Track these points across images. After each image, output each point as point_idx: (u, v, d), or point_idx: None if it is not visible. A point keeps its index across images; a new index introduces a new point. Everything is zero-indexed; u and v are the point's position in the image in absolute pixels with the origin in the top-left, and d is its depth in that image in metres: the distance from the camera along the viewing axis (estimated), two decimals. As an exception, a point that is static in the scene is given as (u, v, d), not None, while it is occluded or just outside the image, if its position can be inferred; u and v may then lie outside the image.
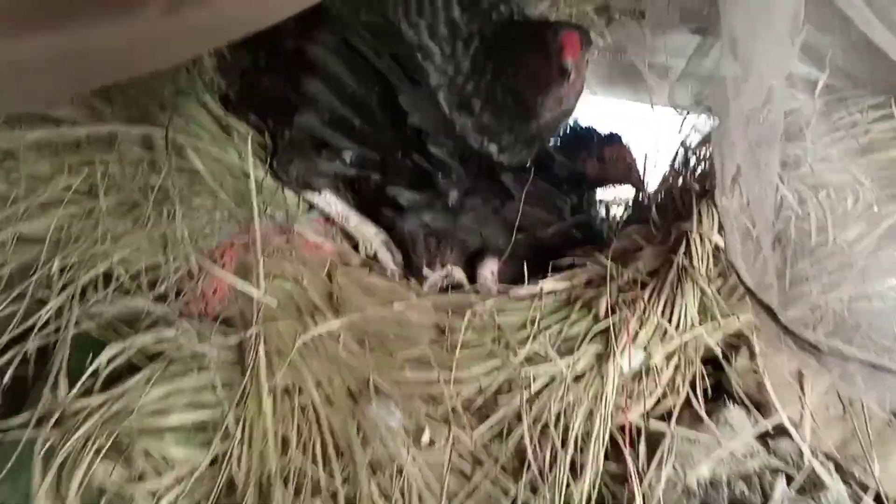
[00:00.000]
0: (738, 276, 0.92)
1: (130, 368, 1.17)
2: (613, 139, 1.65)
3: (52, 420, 1.04)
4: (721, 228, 1.09)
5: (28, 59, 0.67)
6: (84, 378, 1.08)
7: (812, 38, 1.25)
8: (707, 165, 1.25)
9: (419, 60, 1.26)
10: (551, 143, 1.62)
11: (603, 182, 1.62)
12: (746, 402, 1.23)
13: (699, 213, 1.11)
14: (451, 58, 1.27)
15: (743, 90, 1.01)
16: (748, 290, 0.91)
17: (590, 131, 1.66)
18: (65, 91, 1.02)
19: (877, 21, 0.98)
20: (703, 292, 1.12)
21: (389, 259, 1.39)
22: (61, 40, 0.67)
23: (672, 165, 1.25)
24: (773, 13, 0.96)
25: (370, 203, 1.38)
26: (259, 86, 1.30)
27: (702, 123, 1.41)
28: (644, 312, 1.14)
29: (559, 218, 1.40)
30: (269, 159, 1.33)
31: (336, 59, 1.16)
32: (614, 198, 1.78)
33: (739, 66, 0.99)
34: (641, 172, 1.60)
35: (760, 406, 1.26)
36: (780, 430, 1.14)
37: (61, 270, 1.20)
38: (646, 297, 1.14)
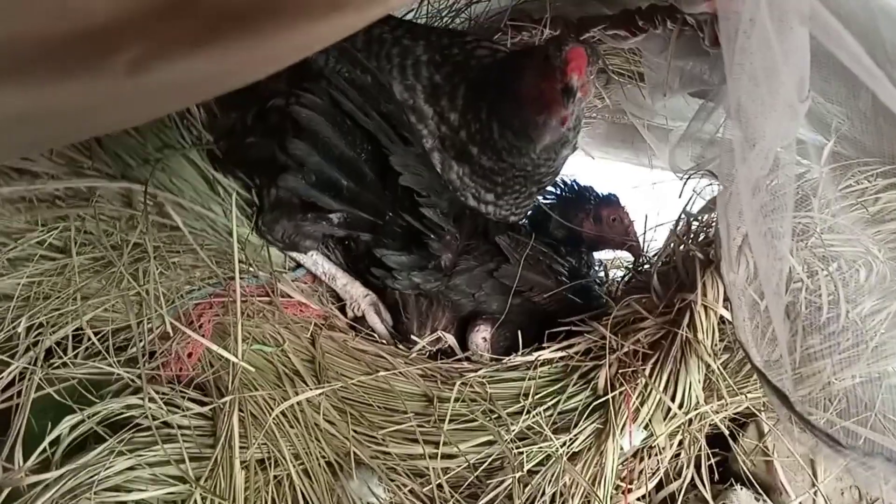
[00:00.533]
0: (749, 357, 0.86)
1: (97, 436, 1.10)
2: (610, 200, 1.60)
3: (3, 495, 0.95)
4: (727, 300, 1.03)
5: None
6: (41, 448, 1.01)
7: (818, 106, 1.23)
8: (711, 233, 1.20)
9: (411, 120, 1.23)
10: (547, 203, 1.57)
11: (600, 244, 1.57)
12: (755, 484, 1.16)
13: (703, 284, 1.04)
14: (442, 115, 1.24)
15: (749, 158, 0.96)
16: (759, 373, 0.84)
17: (587, 191, 1.62)
18: (23, 151, 0.98)
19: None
20: (708, 368, 1.06)
21: (378, 321, 1.33)
22: (22, 100, 0.62)
23: (674, 231, 1.20)
24: (779, 81, 0.92)
25: (360, 262, 1.33)
26: (246, 144, 1.25)
27: (702, 188, 1.37)
28: (645, 388, 1.07)
29: (556, 282, 1.34)
30: (255, 217, 1.28)
31: (324, 120, 1.12)
32: (613, 260, 1.73)
33: (745, 133, 0.95)
34: (640, 235, 1.55)
35: (770, 489, 1.18)
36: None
37: (28, 329, 1.13)
38: (647, 371, 1.07)
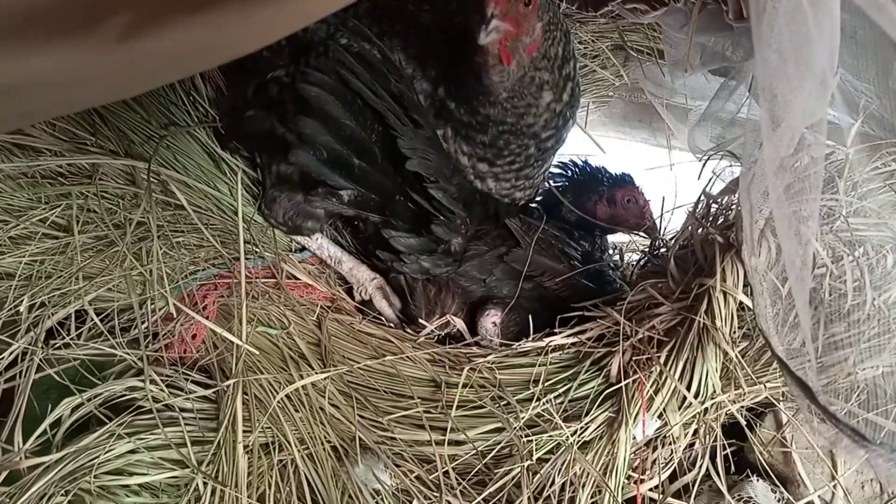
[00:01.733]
0: (770, 346, 0.82)
1: (99, 418, 1.08)
2: (625, 181, 1.54)
3: (1, 477, 0.94)
4: (747, 286, 0.99)
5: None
6: (41, 430, 0.99)
7: (846, 84, 1.17)
8: (731, 216, 1.15)
9: (419, 98, 1.19)
10: (558, 185, 1.51)
11: (614, 226, 1.52)
12: (772, 475, 1.12)
13: (723, 269, 1.00)
14: (428, 77, 1.22)
15: (774, 136, 0.92)
16: (781, 363, 0.80)
17: (599, 172, 1.56)
18: (14, 123, 0.95)
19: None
20: (725, 355, 1.02)
21: (385, 305, 1.30)
22: (10, 68, 0.59)
23: (693, 214, 1.15)
24: (810, 55, 0.87)
25: (369, 244, 1.30)
26: (245, 117, 1.22)
27: (722, 169, 1.32)
28: (660, 376, 1.03)
29: (569, 266, 1.30)
30: (260, 198, 1.26)
31: (333, 99, 1.08)
32: (628, 243, 1.68)
33: (771, 111, 0.90)
34: (656, 217, 1.50)
35: (787, 481, 1.15)
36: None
37: (30, 308, 1.12)
38: (662, 359, 1.03)
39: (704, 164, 1.31)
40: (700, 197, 1.14)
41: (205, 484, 1.01)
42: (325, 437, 1.13)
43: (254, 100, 1.20)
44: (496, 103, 1.17)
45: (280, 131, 1.11)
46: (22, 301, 1.11)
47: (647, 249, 1.49)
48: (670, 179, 1.79)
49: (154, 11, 0.62)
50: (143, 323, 1.10)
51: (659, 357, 1.04)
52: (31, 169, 1.14)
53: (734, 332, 1.02)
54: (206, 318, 1.16)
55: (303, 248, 1.34)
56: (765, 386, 1.03)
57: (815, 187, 0.89)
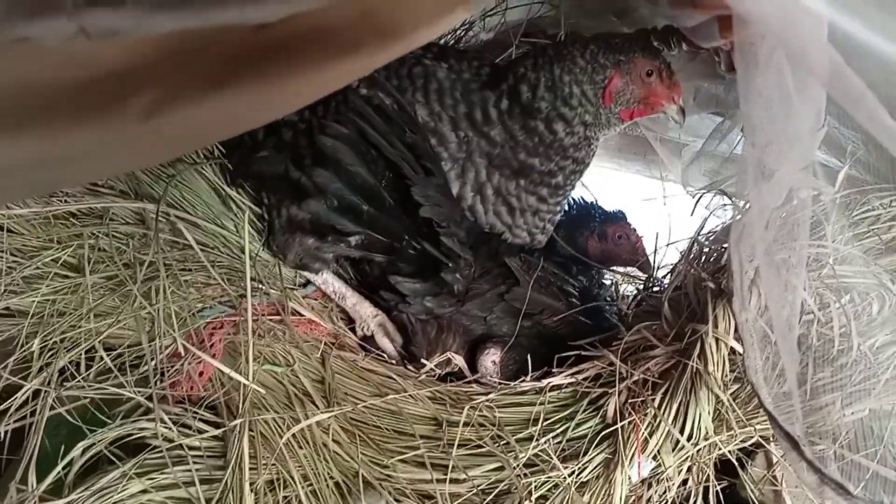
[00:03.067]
0: (759, 399, 0.86)
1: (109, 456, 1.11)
2: (616, 217, 1.58)
3: (17, 520, 0.97)
4: (738, 332, 1.03)
5: (7, 164, 0.63)
6: (56, 472, 1.02)
7: (833, 130, 1.21)
8: (723, 258, 1.19)
9: (432, 143, 1.23)
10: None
11: (606, 262, 1.56)
12: (763, 513, 1.15)
13: (715, 316, 1.04)
14: (482, 134, 1.25)
15: (763, 190, 0.96)
16: (770, 416, 0.83)
17: (592, 208, 1.60)
18: (40, 192, 0.99)
19: None
20: (717, 399, 1.05)
21: (387, 342, 1.33)
22: (40, 145, 0.63)
23: (685, 258, 1.20)
24: (795, 116, 0.91)
25: (373, 283, 1.33)
26: (257, 157, 1.26)
27: (716, 207, 1.36)
28: (654, 418, 1.07)
29: (567, 304, 1.34)
30: (266, 234, 1.29)
31: (348, 149, 1.13)
32: (624, 277, 1.72)
33: (759, 166, 0.94)
34: (648, 252, 1.54)
35: (778, 518, 1.18)
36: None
37: (41, 349, 1.15)
38: (656, 401, 1.07)
39: (698, 202, 1.34)
40: (692, 242, 1.18)
41: (214, 523, 1.03)
42: (329, 474, 1.16)
43: (265, 140, 1.23)
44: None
45: (295, 175, 1.16)
46: (34, 340, 1.14)
47: (641, 286, 1.52)
48: (665, 213, 1.84)
49: (175, 89, 0.66)
50: (152, 360, 1.13)
51: (653, 400, 1.07)
52: (44, 212, 1.17)
53: (726, 377, 1.06)
54: (213, 356, 1.20)
55: (306, 283, 1.37)
56: (755, 428, 1.07)
57: (803, 232, 0.93)
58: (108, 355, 1.15)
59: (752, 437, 1.09)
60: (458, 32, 1.73)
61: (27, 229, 1.20)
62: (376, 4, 0.65)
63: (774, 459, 1.14)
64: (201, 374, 1.21)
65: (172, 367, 1.18)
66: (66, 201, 1.18)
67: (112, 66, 0.63)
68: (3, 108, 0.61)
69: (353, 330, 1.37)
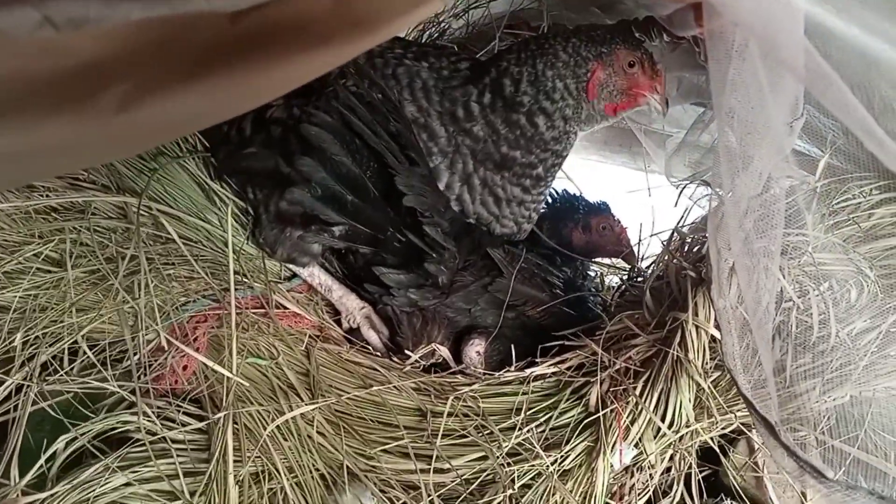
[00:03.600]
0: (737, 385, 0.87)
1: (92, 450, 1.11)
2: (600, 209, 1.59)
3: (0, 513, 0.97)
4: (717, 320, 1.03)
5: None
6: (38, 466, 1.02)
7: (814, 119, 1.22)
8: (704, 248, 1.20)
9: (422, 137, 1.24)
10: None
11: (592, 253, 1.57)
12: (745, 499, 1.17)
13: (695, 304, 1.05)
14: (465, 132, 1.26)
15: (740, 179, 0.96)
16: (747, 402, 0.85)
17: (576, 200, 1.61)
18: (14, 184, 0.98)
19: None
20: (698, 386, 1.06)
21: (373, 334, 1.33)
22: (14, 139, 0.62)
23: (666, 248, 1.20)
24: (768, 99, 0.92)
25: (358, 275, 1.33)
26: (245, 154, 1.26)
27: (699, 197, 1.36)
28: (636, 406, 1.07)
29: (551, 294, 1.34)
30: (251, 229, 1.29)
31: (332, 138, 1.13)
32: (609, 267, 1.73)
33: (736, 156, 0.94)
34: (633, 243, 1.55)
35: (758, 504, 1.20)
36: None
37: (24, 344, 1.14)
38: (638, 390, 1.08)
39: (681, 192, 1.35)
40: (673, 232, 1.18)
41: (198, 515, 1.04)
42: (314, 466, 1.16)
43: (253, 137, 1.23)
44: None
45: (286, 171, 1.15)
46: (16, 334, 1.14)
47: (625, 277, 1.53)
48: (649, 204, 1.84)
49: (149, 81, 0.66)
50: (135, 355, 1.13)
51: (635, 388, 1.08)
52: (26, 206, 1.17)
53: (706, 364, 1.07)
54: (197, 350, 1.20)
55: (291, 277, 1.37)
56: (735, 415, 1.08)
57: (781, 220, 0.94)
58: (90, 350, 1.15)
59: (734, 424, 1.10)
60: (443, 24, 1.73)
61: (8, 224, 1.19)
62: (349, -6, 0.65)
63: (756, 446, 1.15)
64: (185, 367, 1.21)
65: (156, 360, 1.18)
66: (47, 196, 1.17)
67: (85, 59, 0.63)
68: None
69: (338, 322, 1.37)
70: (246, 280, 1.28)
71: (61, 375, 1.10)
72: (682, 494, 1.11)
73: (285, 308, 1.32)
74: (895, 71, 0.66)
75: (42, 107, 0.63)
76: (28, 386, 1.08)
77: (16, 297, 1.16)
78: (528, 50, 1.26)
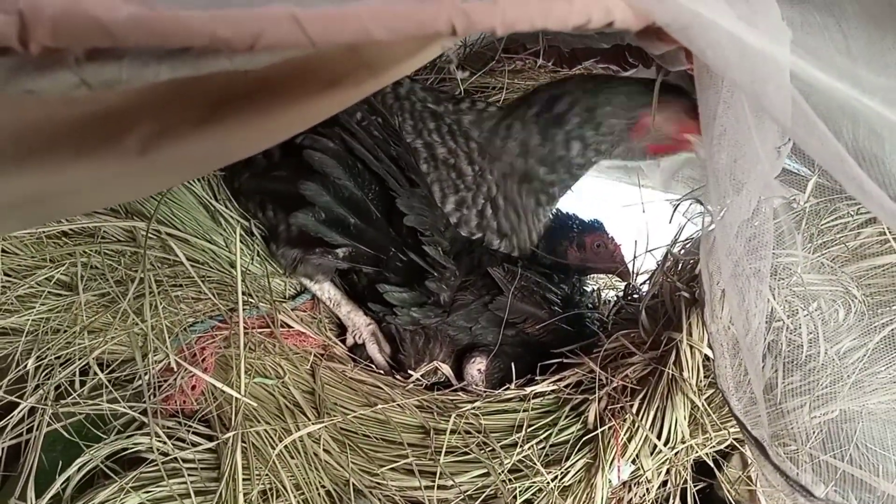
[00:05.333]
0: (729, 406, 0.90)
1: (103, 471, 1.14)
2: (594, 227, 1.63)
3: (18, 536, 0.99)
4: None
5: (8, 200, 0.66)
6: (55, 487, 1.05)
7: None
8: (696, 268, 1.23)
9: (418, 161, 1.30)
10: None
11: (587, 271, 1.61)
12: (739, 511, 1.20)
13: (689, 324, 1.08)
14: (479, 173, 1.34)
15: (733, 202, 1.00)
16: (739, 422, 0.88)
17: (569, 219, 1.65)
18: (37, 223, 1.02)
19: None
20: (693, 404, 1.10)
21: (376, 351, 1.37)
22: (41, 182, 0.65)
23: (661, 268, 1.24)
24: (753, 135, 0.96)
25: (362, 294, 1.37)
26: (273, 177, 1.30)
27: (693, 214, 1.40)
28: (633, 424, 1.11)
29: (550, 312, 1.38)
30: (269, 247, 1.33)
31: (335, 163, 1.17)
32: (605, 283, 1.76)
33: (725, 184, 0.98)
34: (627, 261, 1.59)
35: (753, 516, 1.23)
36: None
37: (37, 367, 1.17)
38: (635, 407, 1.11)
39: (675, 209, 1.39)
40: (667, 253, 1.22)
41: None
42: (320, 483, 1.19)
43: (282, 161, 1.27)
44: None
45: (295, 195, 1.19)
46: (30, 358, 1.17)
47: (621, 294, 1.57)
48: (643, 220, 1.88)
49: (168, 125, 0.69)
50: (146, 374, 1.16)
51: (632, 405, 1.12)
52: (37, 231, 1.20)
53: (700, 382, 1.10)
54: (205, 370, 1.23)
55: (295, 296, 1.41)
56: (728, 431, 1.11)
57: (770, 241, 0.97)
58: (101, 371, 1.18)
59: (727, 440, 1.14)
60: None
61: (20, 249, 1.22)
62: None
63: (749, 460, 1.19)
64: (193, 387, 1.24)
65: (165, 381, 1.21)
66: (58, 221, 1.20)
67: (109, 104, 0.66)
68: (7, 144, 0.64)
69: (342, 340, 1.41)
70: (252, 300, 1.31)
71: (74, 398, 1.13)
72: (678, 508, 1.14)
73: (290, 327, 1.35)
74: (872, 120, 0.70)
75: (67, 150, 0.66)
76: (43, 408, 1.11)
77: (29, 320, 1.19)
78: (589, 83, 1.34)
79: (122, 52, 0.52)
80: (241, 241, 1.34)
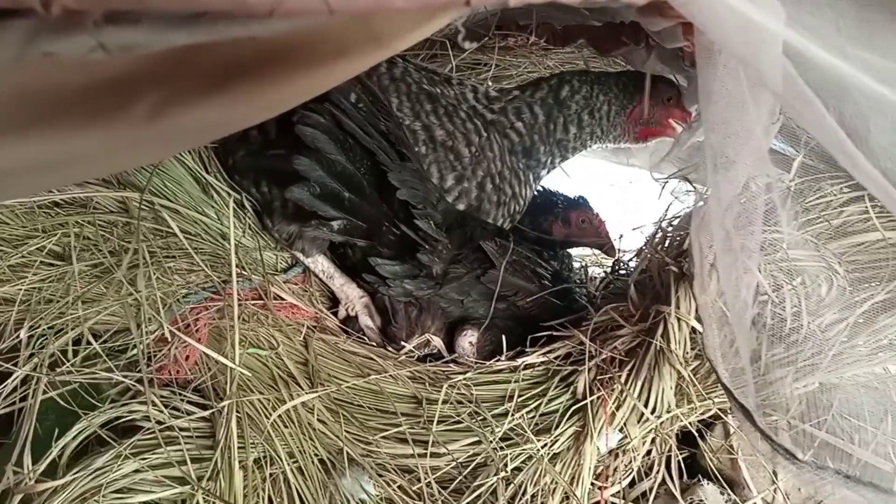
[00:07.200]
0: (717, 375, 0.93)
1: (99, 437, 1.15)
2: (579, 203, 1.66)
3: (16, 501, 1.00)
4: (698, 313, 1.10)
5: (13, 165, 0.66)
6: (51, 453, 1.05)
7: (789, 120, 1.28)
8: (684, 244, 1.26)
9: (416, 143, 1.33)
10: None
11: (573, 245, 1.64)
12: (721, 479, 1.24)
13: (677, 297, 1.11)
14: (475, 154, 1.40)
15: (721, 181, 1.02)
16: (726, 389, 0.91)
17: (554, 195, 1.68)
18: (45, 188, 1.01)
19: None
20: (679, 375, 1.13)
21: (369, 323, 1.38)
22: (48, 149, 0.66)
23: (650, 243, 1.27)
24: (750, 108, 0.98)
25: (355, 267, 1.38)
26: (270, 156, 1.30)
27: (681, 192, 1.43)
28: (621, 394, 1.14)
29: (540, 286, 1.40)
30: (263, 223, 1.34)
31: (327, 138, 1.17)
32: (592, 259, 1.79)
33: (717, 160, 1.00)
34: (612, 236, 1.62)
35: (734, 484, 1.27)
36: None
37: (30, 335, 1.17)
38: (623, 378, 1.14)
39: (664, 188, 1.41)
40: (657, 228, 1.24)
41: (206, 500, 1.08)
42: (314, 451, 1.21)
43: (279, 139, 1.27)
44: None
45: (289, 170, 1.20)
46: (22, 327, 1.17)
47: (609, 269, 1.60)
48: (631, 198, 1.91)
49: (176, 92, 0.70)
50: (140, 344, 1.17)
51: (620, 376, 1.15)
52: (28, 201, 1.19)
53: (687, 354, 1.13)
54: (199, 340, 1.24)
55: (287, 269, 1.42)
56: (713, 401, 1.15)
57: (758, 218, 1.00)
58: (96, 342, 1.18)
59: (711, 410, 1.17)
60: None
61: (11, 219, 1.22)
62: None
63: (731, 430, 1.22)
64: (187, 357, 1.25)
65: (160, 351, 1.22)
66: (50, 191, 1.20)
67: (118, 72, 0.66)
68: (12, 111, 0.64)
69: (334, 313, 1.42)
70: (244, 272, 1.32)
71: (68, 366, 1.13)
72: (662, 475, 1.18)
73: (282, 299, 1.36)
74: (865, 95, 0.72)
75: (76, 117, 0.66)
76: (37, 377, 1.11)
77: (21, 290, 1.19)
78: (589, 75, 1.52)
79: (139, 17, 0.52)
80: (233, 215, 1.34)
